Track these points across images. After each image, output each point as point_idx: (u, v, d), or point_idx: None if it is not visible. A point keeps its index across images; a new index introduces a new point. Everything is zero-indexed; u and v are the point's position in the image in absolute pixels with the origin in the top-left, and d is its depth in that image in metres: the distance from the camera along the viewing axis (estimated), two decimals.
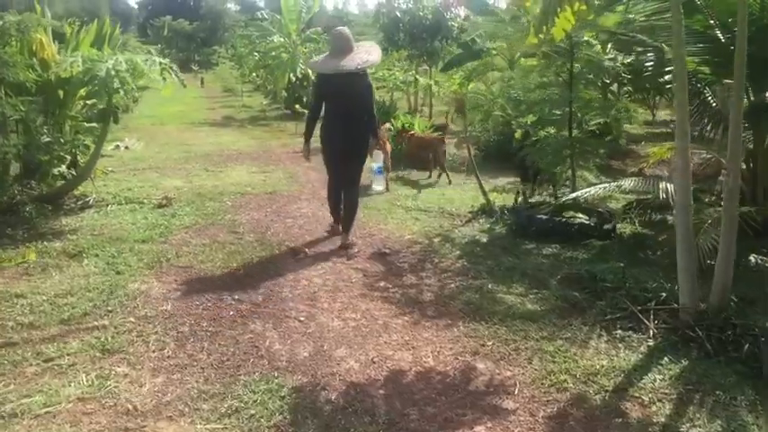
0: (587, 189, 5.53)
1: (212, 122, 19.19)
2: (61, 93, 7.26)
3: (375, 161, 6.22)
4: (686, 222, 3.82)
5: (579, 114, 5.74)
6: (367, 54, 5.55)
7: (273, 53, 22.85)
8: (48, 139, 6.94)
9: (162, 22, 55.25)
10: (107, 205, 6.94)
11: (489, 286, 4.63)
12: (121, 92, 6.38)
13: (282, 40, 23.67)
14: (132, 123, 18.49)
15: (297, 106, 16.78)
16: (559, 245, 5.53)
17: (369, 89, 5.64)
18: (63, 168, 7.04)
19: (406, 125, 9.46)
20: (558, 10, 4.14)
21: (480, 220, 6.46)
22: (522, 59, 7.30)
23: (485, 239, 5.85)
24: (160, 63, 6.75)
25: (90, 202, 6.98)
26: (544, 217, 5.71)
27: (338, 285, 4.74)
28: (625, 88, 7.51)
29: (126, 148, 12.19)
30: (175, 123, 18.75)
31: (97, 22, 8.06)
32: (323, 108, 5.66)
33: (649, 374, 3.36)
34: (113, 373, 3.42)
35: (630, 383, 3.29)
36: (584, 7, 4.25)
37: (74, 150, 7.05)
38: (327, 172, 5.95)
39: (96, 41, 8.01)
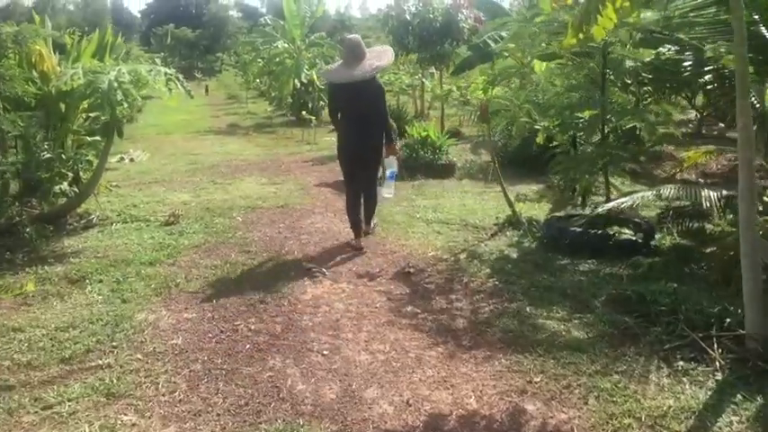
0: (623, 199, 5.12)
1: (217, 131, 18.93)
2: (63, 106, 6.93)
3: (389, 166, 6.08)
4: (752, 240, 3.44)
5: (613, 119, 5.35)
6: (377, 60, 5.65)
7: (277, 59, 22.60)
8: (48, 156, 6.61)
9: (165, 30, 55.20)
10: (112, 224, 6.59)
11: (527, 310, 4.24)
12: (125, 104, 6.03)
13: (286, 45, 23.41)
14: (137, 133, 18.22)
15: (303, 113, 16.44)
16: (596, 260, 5.15)
17: (380, 94, 5.75)
18: (65, 186, 6.69)
19: (421, 133, 9.08)
20: (601, 8, 3.78)
21: (507, 233, 6.08)
22: (547, 62, 6.89)
23: (515, 255, 5.47)
24: (165, 73, 6.40)
25: (93, 221, 6.63)
26: (577, 229, 5.32)
27: (362, 311, 4.37)
28: (645, 88, 7.07)
29: (131, 160, 11.87)
30: (180, 132, 18.51)
31: (98, 31, 7.72)
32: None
33: (724, 416, 2.97)
34: (119, 422, 3.06)
35: (704, 427, 2.90)
36: (626, 4, 3.88)
37: (76, 166, 6.71)
38: (344, 181, 6.08)
39: (98, 52, 7.68)
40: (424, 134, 9.03)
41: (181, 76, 6.55)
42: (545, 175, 8.58)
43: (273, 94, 24.93)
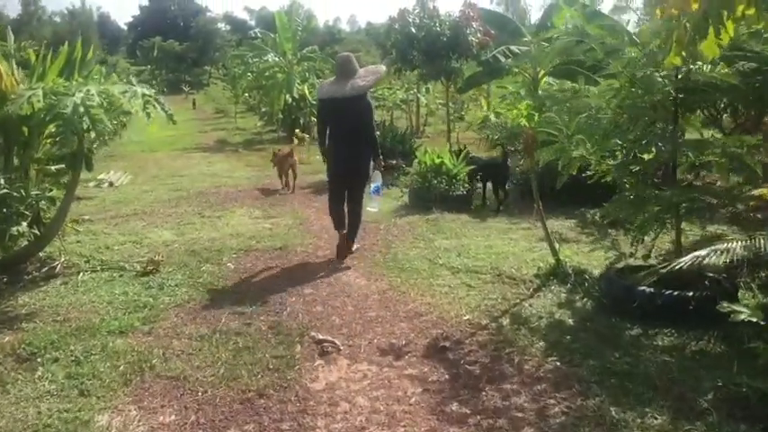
0: (702, 251, 4.15)
1: (205, 147, 17.95)
2: (25, 130, 5.91)
3: (374, 181, 6.20)
4: None
5: (691, 155, 4.38)
6: (362, 80, 5.82)
7: (268, 73, 21.73)
8: (4, 190, 5.58)
9: (151, 42, 54.16)
10: (79, 273, 5.53)
11: (612, 412, 3.23)
12: (92, 133, 5.01)
13: (277, 59, 22.50)
14: (120, 150, 17.18)
15: (297, 131, 15.43)
16: (673, 328, 4.16)
17: (369, 111, 5.90)
18: (23, 227, 5.63)
19: (435, 159, 8.10)
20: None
21: (552, 288, 5.08)
22: (600, 85, 5.93)
23: (570, 320, 4.47)
24: (143, 95, 5.38)
25: (57, 269, 5.58)
26: (649, 290, 4.33)
27: (393, 411, 3.34)
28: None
29: (110, 184, 10.84)
30: (166, 149, 17.52)
31: (67, 45, 6.69)
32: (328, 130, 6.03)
33: None
34: None
35: None
36: (750, 11, 2.92)
37: (36, 204, 5.66)
38: (329, 190, 6.28)
39: (66, 69, 6.65)
40: (437, 161, 8.05)
41: (161, 98, 5.52)
42: (574, 207, 7.66)
43: (264, 109, 23.99)
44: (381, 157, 6.25)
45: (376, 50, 62.08)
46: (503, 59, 12.03)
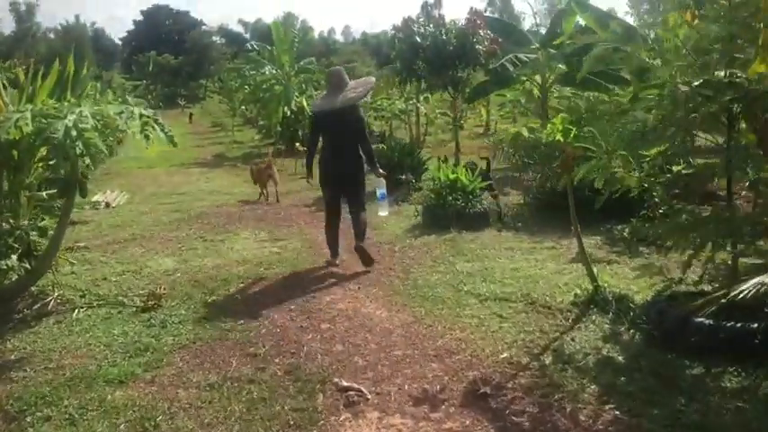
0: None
1: (203, 162, 17.55)
2: (15, 153, 5.48)
3: (378, 187, 6.56)
4: None
5: (749, 170, 3.97)
6: (352, 91, 6.10)
7: (265, 86, 21.38)
8: None
9: (146, 57, 53.86)
10: (73, 309, 5.08)
11: None
12: (86, 158, 4.57)
13: (275, 71, 22.14)
14: (116, 168, 16.76)
15: (297, 145, 15.02)
16: (739, 366, 3.72)
17: (361, 122, 6.21)
18: (13, 260, 5.18)
19: (449, 175, 7.67)
20: None
21: (593, 318, 4.63)
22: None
23: (619, 357, 4.02)
24: (141, 115, 4.95)
25: (50, 306, 5.13)
26: (708, 321, 3.89)
27: None
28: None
29: (106, 205, 10.38)
30: (163, 165, 17.08)
31: (59, 61, 6.26)
32: (319, 141, 6.28)
33: None
34: None
35: None
36: None
37: (26, 234, 5.21)
38: (324, 204, 6.49)
39: (57, 88, 6.23)
40: (452, 177, 7.61)
41: (159, 115, 5.09)
42: (596, 221, 7.25)
43: (261, 123, 23.60)
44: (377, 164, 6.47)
45: (371, 61, 62.16)
46: (511, 68, 11.65)
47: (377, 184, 6.56)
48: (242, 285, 5.69)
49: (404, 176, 9.68)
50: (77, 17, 70.15)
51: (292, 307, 5.14)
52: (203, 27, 68.66)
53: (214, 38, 68.34)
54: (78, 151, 4.50)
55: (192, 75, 53.15)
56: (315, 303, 5.22)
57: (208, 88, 45.57)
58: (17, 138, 4.86)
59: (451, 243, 6.89)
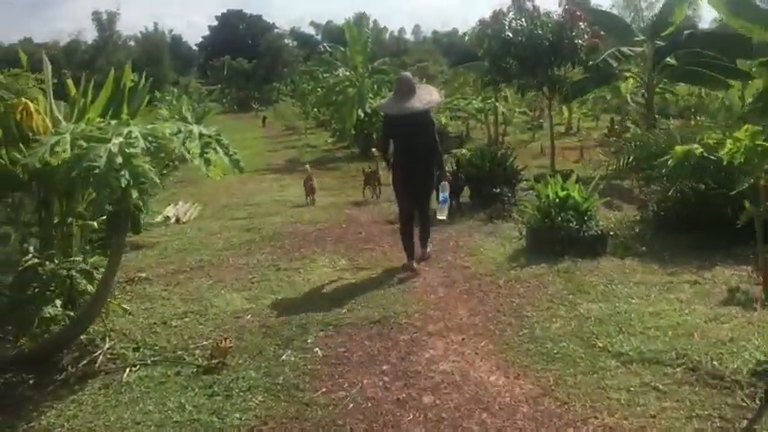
0: None
1: (276, 168, 16.96)
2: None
3: (441, 191, 6.48)
4: None
5: None
6: (429, 95, 6.27)
7: (338, 88, 20.75)
8: (32, 259, 4.43)
9: (221, 61, 54.50)
10: (125, 369, 4.25)
11: None
12: (133, 191, 3.71)
13: (348, 73, 21.41)
14: (190, 174, 16.28)
15: (373, 150, 14.13)
16: None
17: (431, 126, 6.19)
18: (57, 307, 4.41)
19: (559, 192, 6.52)
20: None
21: None
22: None
23: None
24: (200, 135, 4.08)
25: (98, 362, 4.31)
26: None
27: None
28: None
29: (177, 220, 9.74)
30: (237, 172, 16.45)
31: (113, 72, 5.50)
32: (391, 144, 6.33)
33: None
34: None
35: None
36: None
37: (69, 277, 4.42)
38: (398, 207, 6.59)
39: (112, 102, 5.47)
40: (562, 194, 6.46)
41: (224, 139, 4.20)
42: (726, 244, 6.01)
43: (333, 125, 22.94)
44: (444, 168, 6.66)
45: (443, 60, 60.89)
46: (614, 63, 10.36)
47: (441, 189, 6.48)
48: (322, 333, 4.74)
49: (498, 190, 8.55)
50: (156, 25, 71.65)
51: (385, 368, 4.15)
52: (276, 30, 69.17)
53: (286, 40, 68.70)
54: (124, 182, 3.65)
55: (266, 78, 53.45)
56: (412, 362, 4.21)
57: (280, 91, 45.54)
58: (57, 163, 4.08)
59: (567, 275, 5.76)
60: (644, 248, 6.48)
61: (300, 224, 8.84)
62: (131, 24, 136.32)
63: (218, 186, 14.30)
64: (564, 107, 19.86)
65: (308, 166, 12.27)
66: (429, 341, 4.55)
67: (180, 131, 4.06)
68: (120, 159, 3.68)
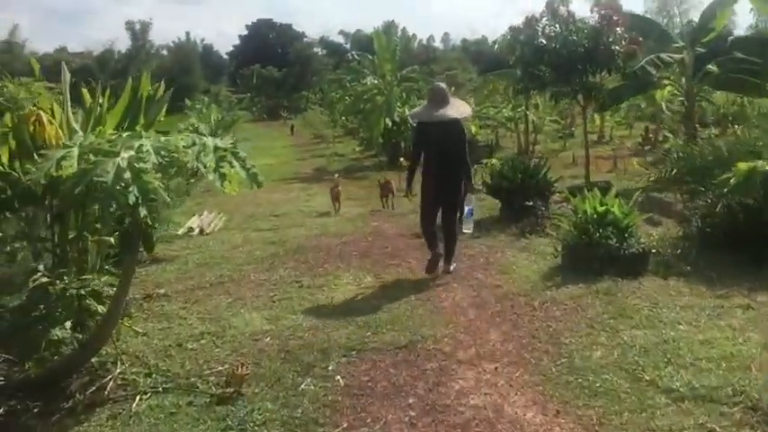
0: None
1: (303, 177, 16.82)
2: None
3: (467, 204, 6.39)
4: None
5: None
6: (463, 107, 6.45)
7: (366, 96, 20.57)
8: (42, 277, 4.22)
9: (251, 70, 54.83)
10: (136, 396, 4.00)
11: None
12: (142, 208, 3.46)
13: (376, 81, 21.20)
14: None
15: (401, 160, 13.92)
16: None
17: (462, 137, 6.20)
18: (66, 330, 4.19)
19: (598, 207, 6.14)
20: None
21: None
22: None
23: None
24: (215, 148, 3.83)
25: (107, 389, 4.07)
26: None
27: None
28: None
29: (201, 231, 9.55)
30: (264, 181, 16.34)
31: (131, 81, 5.30)
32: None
33: None
34: None
35: None
36: None
37: (77, 297, 4.18)
38: (421, 211, 6.50)
39: (129, 112, 5.27)
40: (601, 209, 6.08)
41: (242, 152, 3.94)
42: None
43: (361, 134, 22.74)
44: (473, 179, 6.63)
45: (472, 68, 60.33)
46: (653, 71, 9.94)
47: (466, 201, 6.41)
48: (344, 359, 4.44)
49: (531, 203, 8.19)
50: (188, 34, 72.20)
51: (411, 401, 3.83)
52: (305, 39, 69.39)
53: (315, 49, 68.88)
54: (132, 199, 3.41)
55: (295, 86, 53.60)
56: (440, 395, 3.89)
57: (309, 99, 45.59)
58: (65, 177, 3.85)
59: (608, 297, 5.38)
60: (688, 268, 6.06)
61: (325, 237, 8.58)
62: (164, 34, 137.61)
63: (245, 196, 14.10)
64: (596, 115, 19.37)
65: (336, 175, 12.23)
66: (459, 370, 4.22)
67: (194, 144, 3.81)
68: (128, 175, 3.44)
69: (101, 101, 5.26)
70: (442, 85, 6.67)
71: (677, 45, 10.82)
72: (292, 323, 5.18)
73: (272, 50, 64.51)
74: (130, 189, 3.40)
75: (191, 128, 5.06)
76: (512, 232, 7.93)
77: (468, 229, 6.57)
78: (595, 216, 6.09)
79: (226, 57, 76.01)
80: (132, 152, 3.58)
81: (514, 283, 5.98)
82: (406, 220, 9.34)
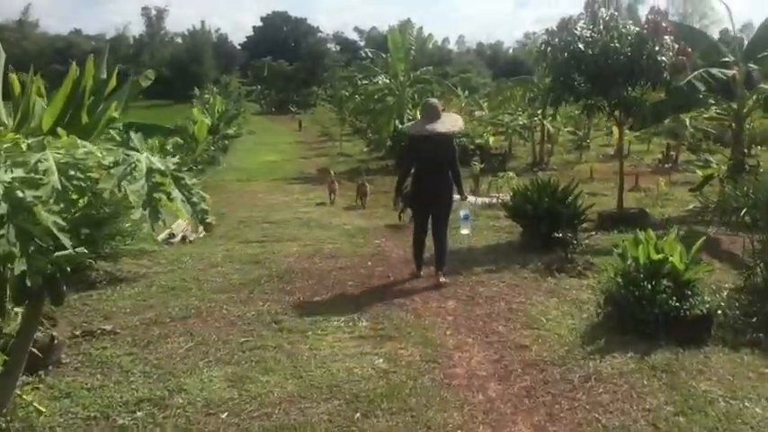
0: None
1: (306, 177, 15.79)
2: None
3: (462, 209, 6.84)
4: None
5: None
6: (453, 122, 6.63)
7: (377, 96, 19.71)
8: None
9: (262, 62, 53.78)
10: None
11: None
12: (21, 263, 2.30)
13: (388, 81, 20.20)
14: (216, 179, 15.18)
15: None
16: None
17: (454, 150, 6.64)
18: None
19: (653, 255, 4.94)
20: None
21: None
22: None
23: None
24: (150, 170, 2.67)
25: None
26: None
27: None
28: None
29: (183, 239, 8.43)
30: (265, 179, 15.65)
31: (73, 66, 4.13)
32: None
33: None
34: None
35: None
36: None
37: None
38: (414, 223, 6.89)
39: (69, 107, 4.10)
40: (657, 257, 4.88)
41: (188, 179, 2.77)
42: None
43: (369, 135, 21.69)
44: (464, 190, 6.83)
45: (486, 72, 59.05)
46: (702, 87, 8.73)
47: (460, 207, 6.85)
48: None
49: (560, 235, 6.99)
50: (203, 23, 71.19)
51: None
52: (319, 34, 68.29)
53: (329, 45, 67.75)
54: (11, 240, 2.25)
55: (306, 81, 52.54)
56: None
57: (319, 95, 44.50)
58: None
59: (668, 377, 4.18)
60: (761, 335, 4.86)
61: (319, 257, 7.43)
62: (179, 22, 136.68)
63: (242, 194, 13.19)
64: (615, 128, 18.19)
65: (332, 171, 13.38)
66: None
67: (119, 162, 2.65)
68: (3, 208, 2.28)
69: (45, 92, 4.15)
70: (435, 101, 6.99)
71: (726, 60, 9.61)
72: (261, 390, 4.01)
73: (285, 44, 63.51)
74: (4, 231, 2.25)
75: (118, 136, 3.76)
76: (535, 268, 6.74)
77: (466, 230, 7.15)
78: (649, 265, 4.89)
79: (239, 47, 74.93)
80: (20, 172, 2.43)
81: (545, 343, 4.79)
82: (411, 239, 8.16)
